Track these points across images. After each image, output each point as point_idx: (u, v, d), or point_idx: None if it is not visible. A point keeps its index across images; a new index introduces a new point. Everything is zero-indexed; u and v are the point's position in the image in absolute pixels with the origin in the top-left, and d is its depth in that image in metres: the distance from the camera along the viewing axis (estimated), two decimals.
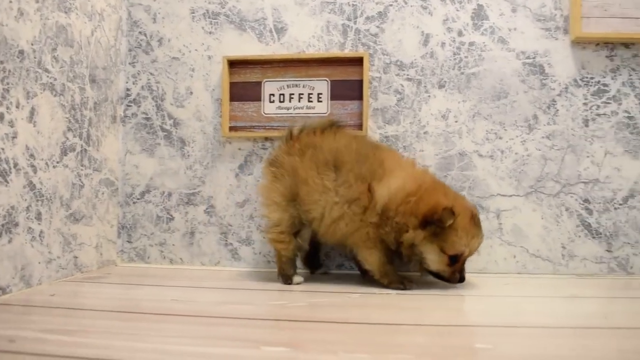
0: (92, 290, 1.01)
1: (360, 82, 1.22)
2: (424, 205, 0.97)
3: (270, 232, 1.09)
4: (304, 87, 1.24)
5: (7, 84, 0.92)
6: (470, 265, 1.20)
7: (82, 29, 1.15)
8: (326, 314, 0.84)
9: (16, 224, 0.94)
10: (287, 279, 1.08)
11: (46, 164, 1.03)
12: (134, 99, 1.30)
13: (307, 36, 1.26)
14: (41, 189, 1.01)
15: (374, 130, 1.23)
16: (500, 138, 1.21)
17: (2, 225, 0.91)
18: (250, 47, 1.27)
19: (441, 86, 1.23)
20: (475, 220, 1.00)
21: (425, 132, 1.23)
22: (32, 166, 0.99)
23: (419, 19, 1.24)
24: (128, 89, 1.31)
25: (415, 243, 0.98)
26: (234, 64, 1.26)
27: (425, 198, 0.98)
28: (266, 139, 1.25)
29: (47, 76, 1.03)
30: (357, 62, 1.22)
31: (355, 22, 1.25)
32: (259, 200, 1.20)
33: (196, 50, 1.29)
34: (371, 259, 1.03)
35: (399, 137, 1.23)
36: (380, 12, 1.25)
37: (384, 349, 0.67)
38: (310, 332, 0.75)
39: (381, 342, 0.70)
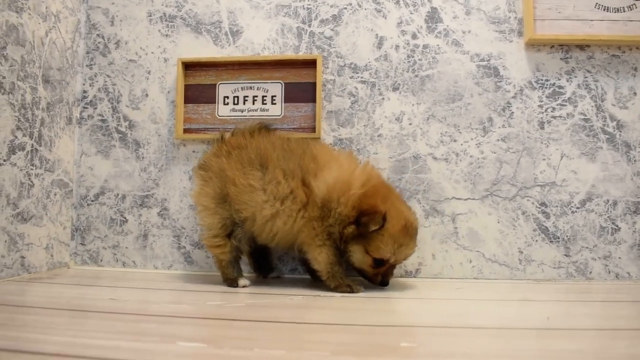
0: (32, 290, 1.00)
1: (314, 84, 1.21)
2: (365, 203, 0.96)
3: (205, 237, 1.07)
4: (258, 89, 1.24)
5: None
6: (425, 270, 1.19)
7: (35, 30, 1.15)
8: (258, 314, 0.83)
9: None
10: (232, 282, 1.05)
11: None
12: (90, 101, 1.30)
13: (262, 39, 1.26)
14: None
15: (327, 132, 1.22)
16: (455, 141, 1.20)
17: None
18: (205, 50, 1.27)
19: (395, 89, 1.22)
20: (407, 230, 0.98)
21: (379, 135, 1.22)
22: None
23: (373, 22, 1.24)
24: (85, 91, 1.31)
25: (349, 238, 0.98)
26: (189, 67, 1.26)
27: (369, 195, 0.98)
28: None
29: None
30: (311, 64, 1.22)
31: (309, 25, 1.25)
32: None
33: (152, 52, 1.29)
34: (320, 258, 1.00)
35: (352, 140, 1.22)
36: (335, 15, 1.25)
37: (302, 345, 0.66)
38: (233, 330, 0.73)
39: (302, 339, 0.69)
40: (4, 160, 1.06)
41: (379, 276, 1.01)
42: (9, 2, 1.07)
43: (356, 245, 0.98)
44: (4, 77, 1.05)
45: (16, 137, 1.10)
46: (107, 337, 0.68)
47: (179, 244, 1.25)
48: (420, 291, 1.04)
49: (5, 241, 1.07)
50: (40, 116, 1.17)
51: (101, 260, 1.28)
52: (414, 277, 1.19)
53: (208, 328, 0.76)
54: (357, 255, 0.99)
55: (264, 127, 1.12)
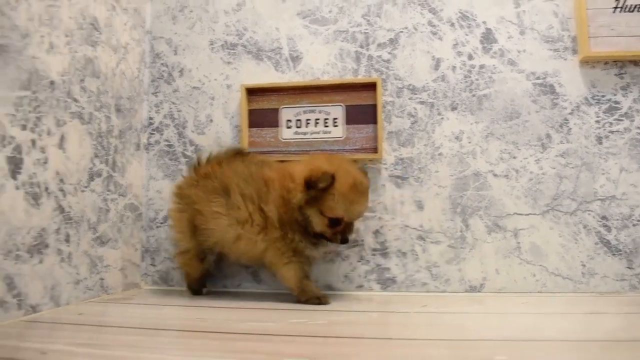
0: (117, 310, 1.04)
1: (374, 106, 1.25)
2: (309, 168, 1.03)
3: (180, 257, 1.21)
4: (319, 112, 1.28)
5: (39, 112, 0.97)
6: (489, 284, 1.21)
7: (108, 62, 1.21)
8: (345, 330, 0.85)
9: (46, 246, 0.98)
10: (195, 292, 1.22)
11: (75, 188, 1.08)
12: (157, 127, 1.36)
13: (321, 64, 1.31)
14: (70, 212, 1.06)
15: (389, 152, 1.26)
16: (515, 157, 1.23)
17: (34, 247, 0.95)
18: (266, 76, 1.32)
19: (453, 108, 1.26)
20: (357, 187, 1.03)
21: (439, 154, 1.25)
22: (62, 190, 1.03)
23: (429, 44, 1.28)
24: (151, 118, 1.36)
25: (302, 205, 1.03)
26: (252, 92, 1.31)
27: (312, 160, 1.07)
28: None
29: (76, 105, 1.09)
30: (371, 87, 1.26)
31: (367, 49, 1.29)
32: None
33: (215, 79, 1.34)
34: (288, 275, 1.08)
35: (413, 159, 1.25)
36: (392, 38, 1.29)
37: None
38: (329, 347, 0.76)
39: (399, 354, 0.71)
40: (85, 187, 1.11)
41: (337, 235, 1.05)
42: (85, 37, 1.13)
43: (311, 208, 1.03)
44: (83, 108, 1.11)
45: (94, 164, 1.15)
46: (219, 356, 0.71)
47: None
48: (486, 306, 1.06)
49: (87, 264, 1.11)
50: (114, 143, 1.23)
51: (171, 280, 1.32)
52: (479, 291, 1.21)
53: (305, 345, 0.78)
54: (315, 219, 1.03)
55: (239, 153, 1.20)
